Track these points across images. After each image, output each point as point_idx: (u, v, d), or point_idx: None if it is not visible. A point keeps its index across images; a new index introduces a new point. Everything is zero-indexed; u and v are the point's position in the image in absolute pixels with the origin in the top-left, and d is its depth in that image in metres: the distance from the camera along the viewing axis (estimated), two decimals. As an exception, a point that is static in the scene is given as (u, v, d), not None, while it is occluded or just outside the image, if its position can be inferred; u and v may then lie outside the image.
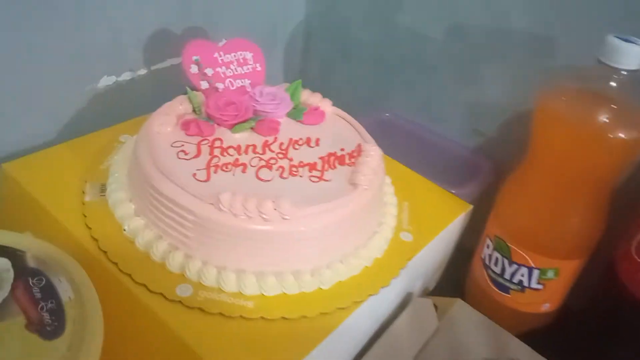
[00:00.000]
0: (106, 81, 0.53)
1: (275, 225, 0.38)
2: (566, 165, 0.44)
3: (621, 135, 0.40)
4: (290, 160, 0.45)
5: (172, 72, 0.58)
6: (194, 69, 0.49)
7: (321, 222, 0.40)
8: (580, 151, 0.42)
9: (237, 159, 0.44)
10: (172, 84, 0.58)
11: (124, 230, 0.41)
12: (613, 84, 0.40)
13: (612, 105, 0.40)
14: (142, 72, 0.56)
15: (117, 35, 0.52)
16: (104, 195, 0.44)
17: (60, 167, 0.47)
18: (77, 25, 0.49)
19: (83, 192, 0.44)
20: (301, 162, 0.45)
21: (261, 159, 0.44)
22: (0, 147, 0.49)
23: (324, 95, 0.54)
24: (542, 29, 0.52)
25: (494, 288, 0.52)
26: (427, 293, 0.56)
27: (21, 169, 0.46)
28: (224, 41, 0.62)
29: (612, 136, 0.40)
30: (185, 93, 0.49)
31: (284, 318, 0.38)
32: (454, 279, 0.58)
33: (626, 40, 0.39)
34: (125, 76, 0.54)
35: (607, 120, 0.40)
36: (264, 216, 0.38)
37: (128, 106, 0.54)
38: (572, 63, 0.50)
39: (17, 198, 0.45)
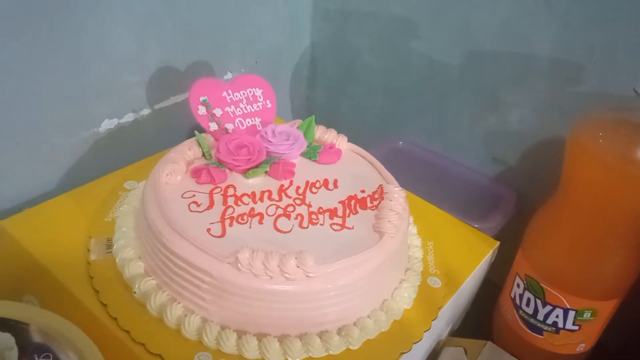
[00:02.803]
0: (108, 124, 0.50)
1: (299, 284, 0.36)
2: (603, 203, 0.41)
3: (663, 172, 0.38)
4: (309, 206, 0.42)
5: (176, 110, 0.55)
6: (201, 110, 0.46)
7: (347, 278, 0.37)
8: (617, 189, 0.40)
9: (252, 208, 0.41)
10: (177, 123, 0.56)
11: (134, 292, 0.38)
12: (654, 117, 0.38)
13: (654, 141, 0.38)
14: (145, 112, 0.53)
15: (118, 75, 0.50)
16: (111, 252, 0.41)
17: (62, 222, 0.44)
18: (75, 67, 0.46)
19: (88, 250, 0.41)
20: (320, 208, 0.42)
21: (278, 207, 0.42)
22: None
23: (332, 124, 0.51)
24: (565, 54, 0.50)
25: (526, 329, 0.49)
26: (453, 332, 0.53)
27: (20, 225, 0.43)
28: (230, 75, 0.60)
29: (654, 173, 0.38)
30: (193, 135, 0.46)
31: (311, 385, 0.35)
32: (479, 314, 0.55)
33: (668, 72, 0.36)
34: (128, 117, 0.52)
35: (648, 156, 0.38)
36: (287, 275, 0.35)
37: (132, 149, 0.51)
38: (599, 90, 0.47)
39: (17, 258, 0.42)
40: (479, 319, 0.56)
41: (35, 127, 0.46)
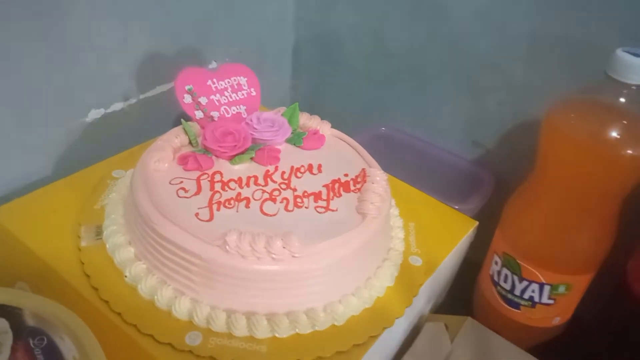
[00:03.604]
0: (95, 114, 0.51)
1: (285, 264, 0.37)
2: (576, 181, 0.43)
3: (631, 150, 0.39)
4: (294, 190, 0.44)
5: (162, 99, 0.56)
6: (187, 98, 0.47)
7: (332, 258, 0.38)
8: (590, 167, 0.42)
9: (239, 193, 0.42)
10: (163, 112, 0.57)
11: (125, 276, 0.39)
12: (622, 99, 0.39)
13: (622, 121, 0.40)
14: (132, 101, 0.54)
15: (105, 65, 0.50)
16: (101, 239, 0.42)
17: (52, 210, 0.45)
18: (62, 57, 0.47)
19: (78, 237, 0.42)
20: (305, 191, 0.43)
21: (264, 191, 0.43)
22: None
23: (317, 112, 0.52)
24: (539, 39, 0.51)
25: (504, 304, 0.51)
26: (436, 309, 0.55)
27: (11, 214, 0.44)
28: (215, 64, 0.61)
29: (622, 152, 0.40)
30: (180, 123, 0.47)
31: (299, 360, 0.36)
32: (460, 292, 0.58)
33: (635, 55, 0.38)
34: (115, 107, 0.52)
35: (617, 136, 0.40)
36: (274, 256, 0.37)
37: (119, 138, 0.52)
38: (572, 73, 0.49)
39: (8, 246, 0.43)
40: (461, 297, 0.58)
41: (23, 117, 0.46)
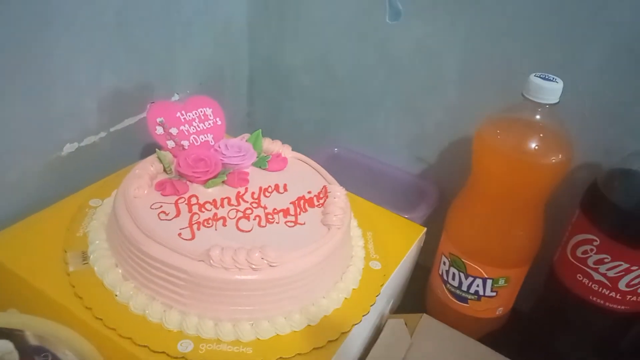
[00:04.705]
0: (69, 148, 0.54)
1: (264, 273, 0.42)
2: (504, 188, 0.50)
3: (547, 159, 0.47)
4: (265, 208, 0.48)
5: (129, 131, 0.60)
6: (159, 130, 0.51)
7: (304, 265, 0.43)
8: (514, 175, 0.49)
9: (215, 213, 0.46)
10: (131, 143, 0.60)
11: (116, 295, 0.42)
12: (537, 116, 0.47)
13: (539, 134, 0.47)
14: (102, 134, 0.57)
15: (79, 101, 0.54)
16: (87, 263, 0.45)
17: (37, 239, 0.47)
18: (40, 95, 0.50)
19: (65, 263, 0.45)
20: (275, 209, 0.48)
21: (238, 210, 0.47)
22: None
23: (273, 136, 0.58)
24: (469, 66, 0.59)
25: (453, 299, 0.58)
26: (395, 310, 0.61)
27: (-3, 245, 0.46)
28: (177, 96, 0.66)
29: (540, 160, 0.47)
30: (147, 152, 0.51)
31: (281, 358, 0.41)
32: (414, 295, 0.64)
33: (545, 79, 0.46)
34: (87, 141, 0.56)
35: (535, 147, 0.47)
36: (253, 266, 0.41)
37: (92, 169, 0.55)
38: (496, 95, 0.56)
39: (-3, 276, 0.45)
40: (414, 298, 0.64)
41: (4, 155, 0.49)
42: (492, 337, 0.58)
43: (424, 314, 0.55)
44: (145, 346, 0.40)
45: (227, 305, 0.42)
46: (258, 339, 0.42)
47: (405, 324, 0.53)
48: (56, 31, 0.49)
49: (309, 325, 0.44)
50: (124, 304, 0.42)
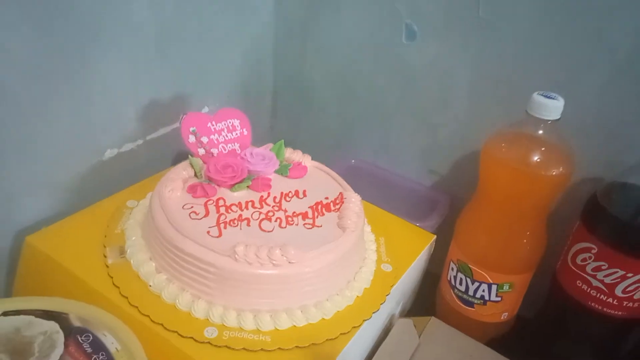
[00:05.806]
0: (110, 153, 0.59)
1: (284, 269, 0.46)
2: (508, 198, 0.54)
3: (549, 171, 0.50)
4: (285, 211, 0.53)
5: (163, 139, 0.65)
6: (191, 138, 0.56)
7: (321, 263, 0.47)
8: (518, 185, 0.52)
9: (240, 215, 0.51)
10: (165, 150, 0.66)
11: (150, 286, 0.47)
12: (540, 131, 0.50)
13: (542, 148, 0.51)
14: (139, 142, 0.62)
15: (119, 111, 0.59)
16: (124, 257, 0.50)
17: (79, 235, 0.52)
18: (85, 105, 0.55)
19: (104, 256, 0.50)
20: (294, 212, 0.53)
21: (261, 213, 0.52)
22: (22, 220, 0.54)
23: (294, 147, 0.62)
24: (478, 84, 0.63)
25: (460, 304, 0.61)
26: (405, 314, 0.64)
27: (44, 240, 0.51)
28: (206, 108, 0.71)
29: (543, 172, 0.51)
30: (179, 159, 0.56)
31: (297, 347, 0.45)
32: (425, 299, 0.67)
33: (547, 97, 0.49)
34: (126, 147, 0.61)
35: (537, 160, 0.51)
36: (274, 262, 0.45)
37: (129, 173, 0.60)
38: (502, 111, 0.60)
39: (43, 267, 0.50)
40: (425, 304, 0.67)
41: (53, 158, 0.55)
42: (497, 341, 0.61)
43: (433, 317, 0.58)
44: (175, 331, 0.44)
45: (249, 297, 0.46)
46: (276, 328, 0.46)
47: (414, 325, 0.57)
48: (102, 46, 0.54)
49: (323, 318, 0.47)
50: (157, 293, 0.47)
